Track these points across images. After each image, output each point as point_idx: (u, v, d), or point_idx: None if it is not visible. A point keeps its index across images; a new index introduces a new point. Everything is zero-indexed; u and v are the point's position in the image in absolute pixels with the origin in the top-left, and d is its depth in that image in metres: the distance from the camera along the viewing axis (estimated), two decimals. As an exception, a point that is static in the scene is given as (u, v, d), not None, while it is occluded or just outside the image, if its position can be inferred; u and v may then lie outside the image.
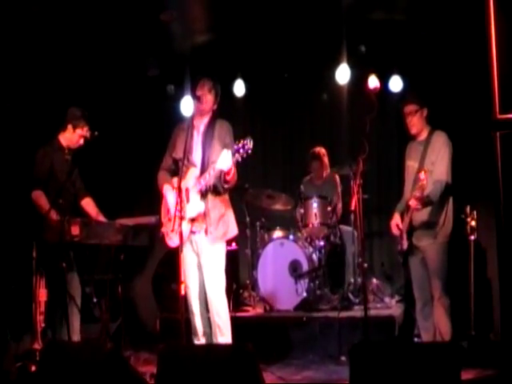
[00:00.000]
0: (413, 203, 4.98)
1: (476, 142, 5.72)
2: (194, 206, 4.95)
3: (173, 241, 4.96)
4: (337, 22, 6.83)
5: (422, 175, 4.86)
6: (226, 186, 4.99)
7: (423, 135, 5.28)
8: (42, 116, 6.56)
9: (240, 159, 4.72)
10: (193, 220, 4.97)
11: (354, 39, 7.03)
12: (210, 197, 5.00)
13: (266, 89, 8.18)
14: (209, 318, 5.07)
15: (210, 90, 5.07)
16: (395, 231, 5.28)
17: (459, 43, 6.26)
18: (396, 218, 5.29)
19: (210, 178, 4.89)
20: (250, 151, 4.68)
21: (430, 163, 5.12)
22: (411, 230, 5.17)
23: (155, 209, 5.66)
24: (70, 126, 5.59)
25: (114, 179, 7.53)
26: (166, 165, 5.25)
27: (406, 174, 5.38)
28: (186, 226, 4.92)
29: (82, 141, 5.60)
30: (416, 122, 5.25)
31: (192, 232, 4.99)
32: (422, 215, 5.13)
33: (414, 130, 5.28)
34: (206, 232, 4.97)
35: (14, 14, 6.21)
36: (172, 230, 4.91)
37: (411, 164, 5.31)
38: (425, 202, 4.98)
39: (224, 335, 4.96)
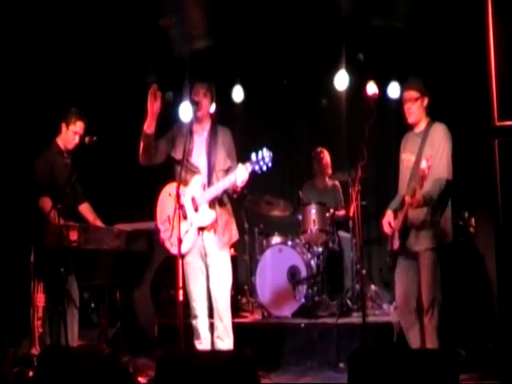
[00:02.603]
0: (408, 200, 4.64)
1: (475, 149, 5.72)
2: (205, 214, 4.94)
3: (176, 247, 4.85)
4: (336, 29, 6.86)
5: (424, 164, 4.50)
6: (235, 195, 5.05)
7: (421, 126, 4.99)
8: (41, 121, 6.56)
9: (260, 172, 4.72)
10: (202, 228, 4.97)
11: (352, 46, 7.05)
12: (217, 205, 5.01)
13: (265, 95, 8.19)
14: (211, 323, 5.07)
15: (206, 94, 5.06)
16: (387, 230, 4.99)
17: (458, 50, 6.29)
18: (388, 216, 5.00)
19: (223, 189, 4.89)
20: (270, 164, 4.68)
21: (429, 157, 4.74)
22: (406, 230, 4.83)
23: (154, 214, 5.65)
24: (63, 125, 5.62)
25: (112, 185, 7.53)
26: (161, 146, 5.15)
27: (401, 167, 5.07)
28: (193, 233, 4.94)
29: (77, 138, 5.57)
30: (415, 110, 4.95)
31: (200, 237, 4.98)
32: (419, 215, 4.79)
33: (412, 119, 4.98)
34: (216, 237, 4.99)
35: (12, 21, 6.23)
36: (171, 237, 4.88)
37: (407, 157, 4.99)
38: (424, 200, 4.64)
39: (229, 337, 4.98)
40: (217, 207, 5.01)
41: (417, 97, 4.94)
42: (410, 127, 5.07)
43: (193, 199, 4.94)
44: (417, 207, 4.69)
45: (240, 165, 4.75)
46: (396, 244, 4.87)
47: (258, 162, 4.68)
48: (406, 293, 4.92)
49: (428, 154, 4.73)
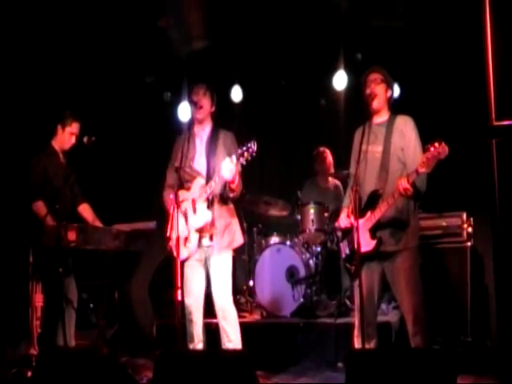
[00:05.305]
0: (403, 184, 4.15)
1: (472, 149, 5.72)
2: (201, 215, 4.91)
3: (182, 254, 4.85)
4: (334, 29, 6.87)
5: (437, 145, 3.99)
6: (231, 194, 4.92)
7: (383, 117, 4.60)
8: (39, 122, 6.57)
9: (244, 162, 4.62)
10: (201, 230, 4.93)
11: (351, 46, 7.06)
12: (216, 206, 4.96)
13: (264, 95, 8.19)
14: (205, 325, 5.06)
15: (205, 94, 5.03)
16: (347, 224, 4.55)
17: (456, 50, 6.30)
18: (345, 214, 4.58)
19: (215, 186, 4.83)
20: (254, 154, 4.58)
21: (399, 149, 4.45)
22: (377, 228, 4.39)
23: (152, 214, 5.65)
24: (59, 127, 5.64)
25: (111, 185, 7.53)
26: (172, 180, 5.07)
27: (363, 160, 4.50)
28: (194, 237, 4.92)
29: (73, 139, 5.60)
30: (380, 93, 4.55)
31: (200, 242, 4.94)
32: (390, 212, 4.37)
33: (376, 103, 4.54)
34: (211, 239, 4.93)
35: (7, 25, 6.25)
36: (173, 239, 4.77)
37: (372, 149, 4.53)
38: (413, 191, 4.20)
39: (232, 341, 4.93)
40: (216, 209, 4.96)
41: (381, 79, 4.58)
42: (368, 117, 4.60)
43: (193, 201, 4.94)
44: (407, 195, 4.23)
45: (227, 158, 4.66)
46: (370, 245, 4.36)
47: (242, 153, 4.59)
48: (372, 302, 4.52)
49: (398, 147, 4.46)
